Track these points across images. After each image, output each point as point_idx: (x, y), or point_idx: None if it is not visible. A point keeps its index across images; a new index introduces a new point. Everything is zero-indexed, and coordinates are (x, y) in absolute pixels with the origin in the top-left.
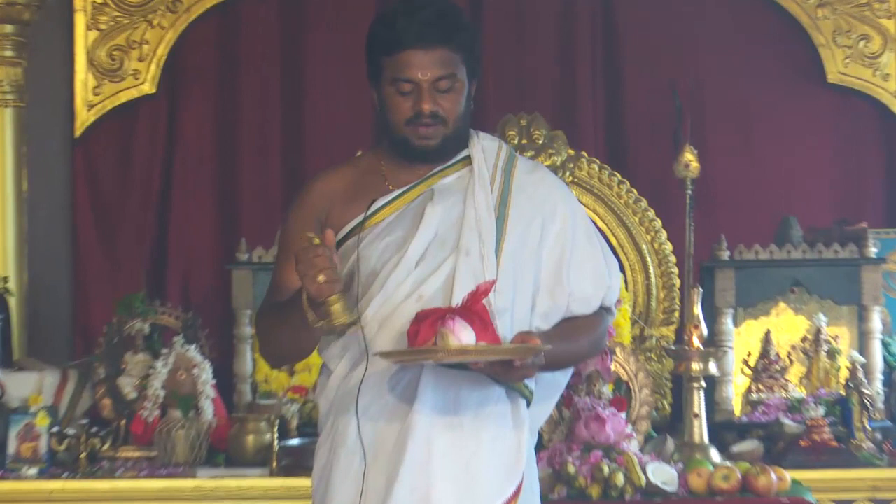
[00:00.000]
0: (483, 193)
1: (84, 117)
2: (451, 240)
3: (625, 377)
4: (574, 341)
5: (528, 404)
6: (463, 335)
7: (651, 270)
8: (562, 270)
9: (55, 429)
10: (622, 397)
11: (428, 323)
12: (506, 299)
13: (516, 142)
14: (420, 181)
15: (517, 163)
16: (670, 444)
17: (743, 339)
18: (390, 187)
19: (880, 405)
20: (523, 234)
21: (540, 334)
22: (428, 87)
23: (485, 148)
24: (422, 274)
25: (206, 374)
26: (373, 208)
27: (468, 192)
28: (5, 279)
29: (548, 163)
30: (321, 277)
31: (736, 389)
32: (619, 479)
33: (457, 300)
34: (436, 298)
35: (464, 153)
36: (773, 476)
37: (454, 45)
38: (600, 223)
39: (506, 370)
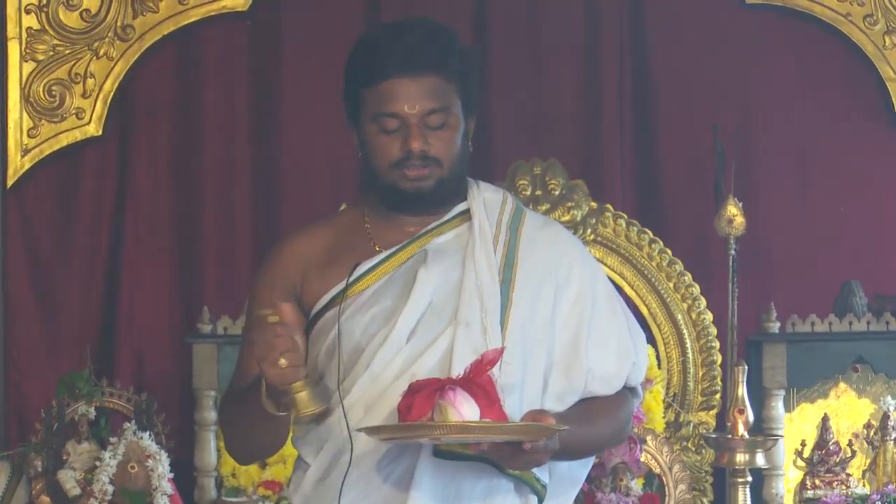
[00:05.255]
0: (485, 254)
1: (18, 164)
2: (449, 309)
3: (657, 470)
4: (593, 425)
5: (540, 501)
6: (465, 409)
7: (688, 345)
8: (579, 344)
9: None
10: (654, 494)
11: (423, 395)
12: (514, 376)
13: (529, 193)
14: (411, 240)
15: (525, 217)
16: None
17: (796, 426)
18: (377, 248)
19: None
20: (533, 302)
21: (554, 414)
22: (417, 122)
23: (486, 200)
24: (414, 350)
25: (161, 467)
26: (356, 273)
27: (467, 254)
28: None
29: (566, 218)
30: (282, 361)
31: (788, 485)
32: None
33: None
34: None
35: (461, 207)
36: None
37: (447, 72)
38: (628, 289)
39: (514, 454)
